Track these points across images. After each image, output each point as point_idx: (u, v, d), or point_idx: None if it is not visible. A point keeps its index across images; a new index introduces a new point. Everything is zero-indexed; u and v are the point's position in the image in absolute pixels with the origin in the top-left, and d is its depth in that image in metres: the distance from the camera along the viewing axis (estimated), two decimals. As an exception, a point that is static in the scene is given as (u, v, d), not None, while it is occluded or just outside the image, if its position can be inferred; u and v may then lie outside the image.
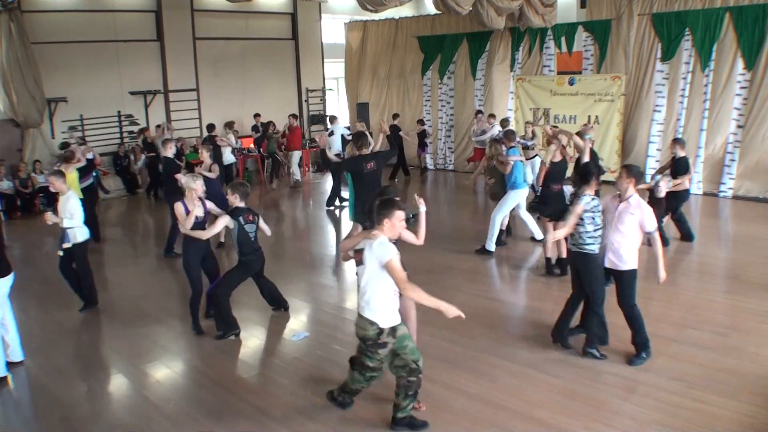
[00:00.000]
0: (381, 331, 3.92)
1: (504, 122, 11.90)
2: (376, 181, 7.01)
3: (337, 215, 11.06)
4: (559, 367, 5.03)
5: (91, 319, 6.51)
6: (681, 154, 8.14)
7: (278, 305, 6.41)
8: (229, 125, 12.74)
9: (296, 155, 13.73)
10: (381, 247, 3.87)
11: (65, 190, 6.28)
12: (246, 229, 5.78)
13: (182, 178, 6.28)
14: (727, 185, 11.09)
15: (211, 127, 12.02)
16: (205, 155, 8.19)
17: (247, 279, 6.03)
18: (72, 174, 8.81)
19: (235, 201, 5.81)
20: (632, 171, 5.05)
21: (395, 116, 14.26)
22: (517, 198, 8.06)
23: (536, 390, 4.63)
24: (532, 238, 8.56)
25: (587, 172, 5.29)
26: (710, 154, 11.24)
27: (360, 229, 4.02)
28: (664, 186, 7.71)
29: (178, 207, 5.85)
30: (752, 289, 6.52)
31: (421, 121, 14.63)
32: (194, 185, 5.84)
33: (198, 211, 5.80)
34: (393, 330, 3.96)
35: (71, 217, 6.18)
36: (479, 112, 13.62)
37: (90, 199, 9.20)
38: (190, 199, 5.84)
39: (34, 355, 5.58)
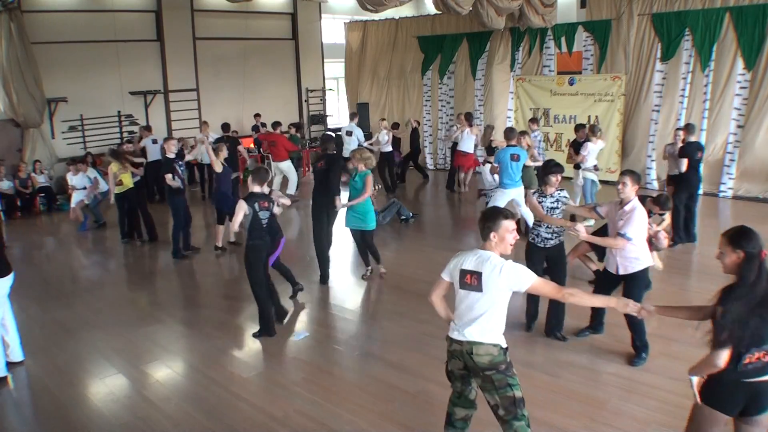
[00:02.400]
0: (506, 349, 3.46)
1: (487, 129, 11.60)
2: (323, 181, 7.22)
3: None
4: (559, 367, 5.03)
5: (91, 319, 6.50)
6: (691, 139, 8.23)
7: (277, 316, 6.12)
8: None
9: (282, 165, 11.79)
10: (515, 273, 3.34)
11: None
12: (259, 216, 5.70)
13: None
14: (727, 185, 11.09)
15: (226, 126, 12.35)
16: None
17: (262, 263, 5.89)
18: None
19: (252, 186, 5.78)
20: (637, 177, 5.06)
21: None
22: (505, 197, 8.05)
23: (536, 390, 4.61)
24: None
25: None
26: (710, 154, 11.22)
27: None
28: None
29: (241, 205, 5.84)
30: (752, 289, 6.50)
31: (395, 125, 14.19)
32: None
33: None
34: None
35: None
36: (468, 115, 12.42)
37: (138, 197, 9.35)
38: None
39: (34, 355, 5.58)
